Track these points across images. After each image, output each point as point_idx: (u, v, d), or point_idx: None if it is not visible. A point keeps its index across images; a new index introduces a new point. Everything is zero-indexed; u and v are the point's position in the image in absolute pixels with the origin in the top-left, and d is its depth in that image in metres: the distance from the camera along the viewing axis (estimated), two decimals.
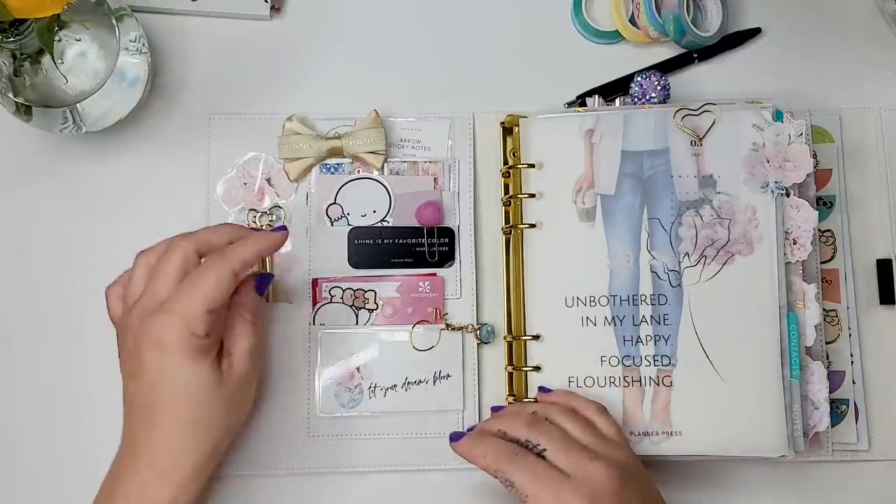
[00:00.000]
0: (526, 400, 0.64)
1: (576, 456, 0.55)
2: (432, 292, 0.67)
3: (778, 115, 0.65)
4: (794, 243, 0.64)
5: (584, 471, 0.55)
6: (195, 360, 0.55)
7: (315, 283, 0.67)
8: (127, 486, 0.55)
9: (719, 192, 0.65)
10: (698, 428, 0.63)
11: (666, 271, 0.64)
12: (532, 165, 0.66)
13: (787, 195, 0.65)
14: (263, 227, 0.67)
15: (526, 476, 0.55)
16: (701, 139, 0.65)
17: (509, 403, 0.65)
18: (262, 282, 0.61)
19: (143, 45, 0.65)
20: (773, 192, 0.64)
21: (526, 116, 0.68)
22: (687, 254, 0.64)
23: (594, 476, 0.54)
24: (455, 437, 0.60)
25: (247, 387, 0.59)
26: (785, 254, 0.64)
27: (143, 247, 0.68)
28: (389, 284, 0.67)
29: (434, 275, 0.67)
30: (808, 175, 0.65)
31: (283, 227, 0.61)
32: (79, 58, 0.64)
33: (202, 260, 0.57)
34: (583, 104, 0.69)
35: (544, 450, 0.56)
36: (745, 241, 0.64)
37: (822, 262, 0.67)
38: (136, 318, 0.56)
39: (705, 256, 0.64)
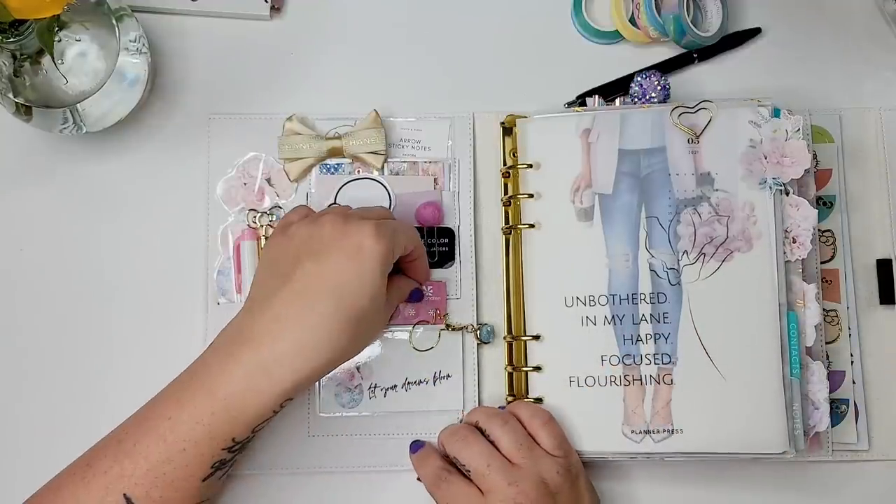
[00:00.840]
0: (526, 401, 0.64)
1: (495, 477, 0.58)
2: (435, 296, 0.67)
3: (775, 112, 0.65)
4: (794, 242, 0.64)
5: (502, 492, 0.58)
6: (383, 274, 0.57)
7: None
8: (242, 355, 0.55)
9: (717, 190, 0.65)
10: (699, 425, 0.63)
11: (665, 269, 0.64)
12: (530, 165, 0.66)
13: (787, 193, 0.65)
14: (263, 227, 0.67)
15: (445, 502, 0.60)
16: (698, 137, 0.65)
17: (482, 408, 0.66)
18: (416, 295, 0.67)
19: (143, 45, 0.65)
20: (771, 188, 0.64)
21: (526, 116, 0.68)
22: (686, 252, 0.64)
23: (509, 497, 0.57)
24: (414, 449, 0.64)
25: (386, 320, 0.64)
26: (784, 252, 0.64)
27: (143, 246, 0.68)
28: None
29: (440, 283, 0.67)
30: (806, 171, 0.65)
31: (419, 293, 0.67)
32: (79, 58, 0.64)
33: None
34: (583, 104, 0.69)
35: (469, 470, 0.60)
36: (743, 238, 0.64)
37: (822, 262, 0.67)
38: (345, 214, 0.58)
39: (704, 254, 0.64)
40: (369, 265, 0.56)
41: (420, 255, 0.64)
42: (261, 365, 0.55)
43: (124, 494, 0.55)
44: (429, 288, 0.67)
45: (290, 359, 0.55)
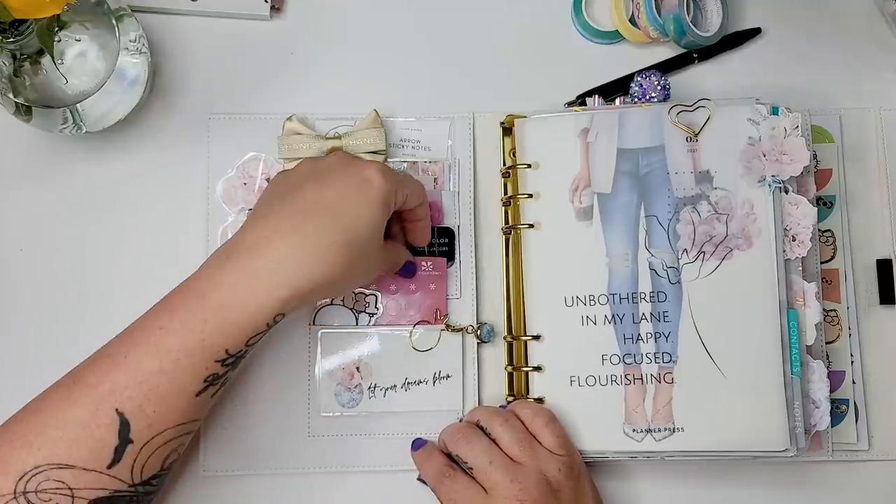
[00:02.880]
0: (527, 399, 0.64)
1: (497, 474, 0.59)
2: (435, 270, 0.66)
3: (774, 110, 0.65)
4: (794, 240, 0.64)
5: (504, 489, 0.58)
6: (384, 211, 0.58)
7: None
8: (227, 276, 0.55)
9: (716, 188, 0.65)
10: (700, 424, 0.63)
11: (665, 268, 0.64)
12: (529, 165, 0.67)
13: (786, 192, 0.65)
14: None
15: (448, 498, 0.60)
16: (696, 135, 0.65)
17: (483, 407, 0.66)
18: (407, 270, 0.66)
19: (143, 45, 0.65)
20: (770, 185, 0.64)
21: (525, 116, 0.68)
22: (685, 250, 0.64)
23: (511, 494, 0.57)
24: (416, 446, 0.64)
25: (382, 263, 0.62)
26: (784, 251, 0.64)
27: (143, 246, 0.68)
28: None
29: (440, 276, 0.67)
30: (805, 168, 0.65)
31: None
32: (79, 58, 0.64)
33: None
34: (583, 104, 0.69)
35: (471, 468, 0.60)
36: (743, 236, 0.64)
37: (822, 262, 0.67)
38: (354, 155, 0.62)
39: (704, 252, 0.64)
40: (373, 196, 0.57)
41: (424, 215, 0.64)
42: (254, 272, 0.54)
43: (116, 409, 0.53)
44: (428, 263, 0.67)
45: (283, 267, 0.54)
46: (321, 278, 0.55)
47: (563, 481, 0.59)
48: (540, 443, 0.61)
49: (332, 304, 0.67)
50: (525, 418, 0.62)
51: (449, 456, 0.62)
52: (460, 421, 0.65)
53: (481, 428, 0.62)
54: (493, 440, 0.61)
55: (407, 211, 0.63)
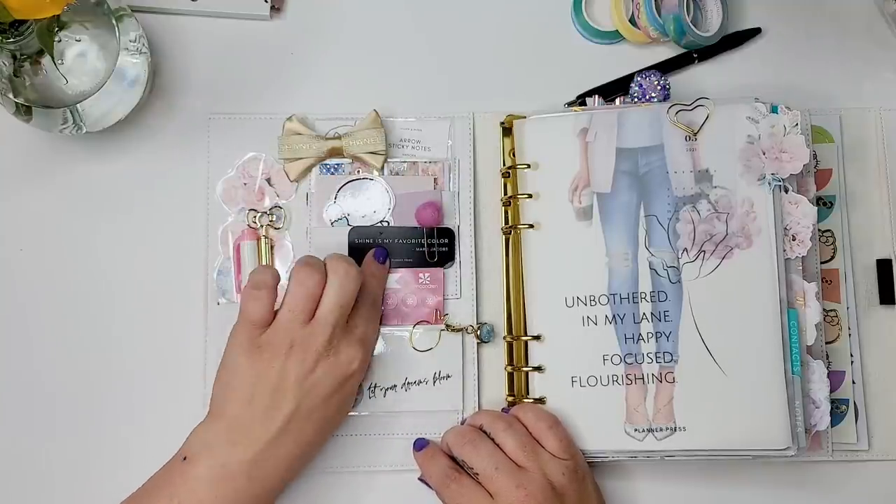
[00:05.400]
0: (526, 401, 0.64)
1: (503, 479, 0.59)
2: (432, 283, 0.67)
3: (773, 108, 0.65)
4: (794, 239, 0.64)
5: (510, 494, 0.58)
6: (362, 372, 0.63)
7: None
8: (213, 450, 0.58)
9: (716, 187, 0.65)
10: (702, 423, 0.63)
11: (665, 268, 0.64)
12: (528, 166, 0.66)
13: (786, 191, 0.65)
14: (263, 227, 0.67)
15: (453, 502, 0.60)
16: (695, 134, 0.65)
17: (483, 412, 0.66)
18: (381, 254, 0.67)
19: (143, 45, 0.65)
20: (769, 183, 0.64)
21: (525, 117, 0.68)
22: (685, 249, 0.64)
23: (517, 499, 0.57)
24: (418, 446, 0.64)
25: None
26: (784, 250, 0.64)
27: (143, 246, 0.68)
28: (390, 276, 0.67)
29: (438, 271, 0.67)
30: (805, 167, 0.65)
31: (384, 251, 0.66)
32: (79, 58, 0.64)
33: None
34: (583, 104, 0.69)
35: (477, 473, 0.60)
36: (743, 235, 0.64)
37: (822, 262, 0.67)
38: (324, 340, 0.60)
39: (704, 251, 0.64)
40: (349, 393, 0.62)
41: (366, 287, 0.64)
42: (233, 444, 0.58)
43: None
44: (426, 275, 0.67)
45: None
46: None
47: (567, 485, 0.59)
48: (543, 447, 0.61)
49: None
50: (528, 422, 0.62)
51: (452, 458, 0.62)
52: (462, 422, 0.65)
53: (484, 432, 0.62)
54: (497, 445, 0.61)
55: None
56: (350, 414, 0.65)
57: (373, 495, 0.66)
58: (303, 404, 0.58)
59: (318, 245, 0.67)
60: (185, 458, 0.58)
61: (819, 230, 0.67)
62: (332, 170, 0.68)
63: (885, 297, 0.68)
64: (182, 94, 0.70)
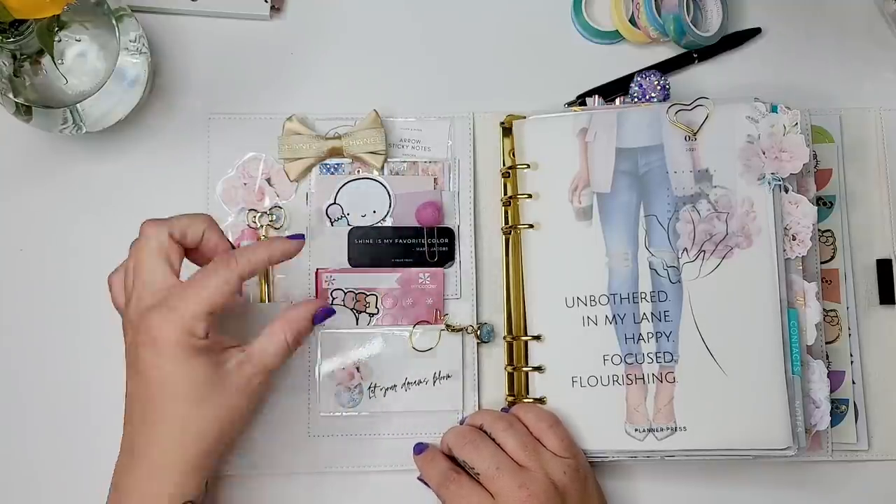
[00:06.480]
0: (526, 401, 0.64)
1: (505, 479, 0.58)
2: (432, 283, 0.67)
3: (773, 108, 0.65)
4: (794, 239, 0.64)
5: (512, 495, 0.58)
6: (189, 359, 0.55)
7: (317, 284, 0.67)
8: (128, 483, 0.56)
9: (716, 186, 0.65)
10: (702, 422, 0.63)
11: (665, 268, 0.64)
12: (528, 166, 0.67)
13: (786, 191, 0.65)
14: (263, 227, 0.67)
15: (453, 503, 0.59)
16: (695, 133, 0.65)
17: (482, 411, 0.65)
18: (323, 314, 0.60)
19: (143, 45, 0.65)
20: (769, 183, 0.64)
21: (525, 117, 0.68)
22: (685, 249, 0.64)
23: (519, 499, 0.58)
24: (418, 450, 0.63)
25: (253, 392, 0.58)
26: (784, 250, 0.64)
27: None
28: (390, 275, 0.67)
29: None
30: (805, 167, 0.65)
31: (301, 236, 0.60)
32: (79, 58, 0.64)
33: (212, 261, 0.57)
34: (583, 104, 0.69)
35: (478, 473, 0.59)
36: (743, 234, 0.64)
37: (822, 262, 0.67)
38: (133, 311, 0.56)
39: (704, 251, 0.64)
40: (171, 360, 0.55)
41: (212, 237, 0.59)
42: (147, 478, 0.55)
43: None
44: (425, 275, 0.67)
45: (164, 469, 0.55)
46: (210, 448, 0.56)
47: (569, 484, 0.59)
48: (544, 446, 0.61)
49: (332, 304, 0.66)
50: (528, 422, 0.62)
51: (452, 459, 0.62)
52: (462, 422, 0.65)
53: (485, 432, 0.62)
54: (498, 444, 0.61)
55: (199, 248, 0.59)
56: (350, 414, 0.65)
57: (373, 495, 0.66)
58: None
59: (318, 245, 0.67)
60: None
61: (819, 230, 0.68)
62: (332, 170, 0.68)
63: (885, 297, 0.68)
64: (182, 94, 0.70)
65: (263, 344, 0.58)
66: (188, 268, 0.59)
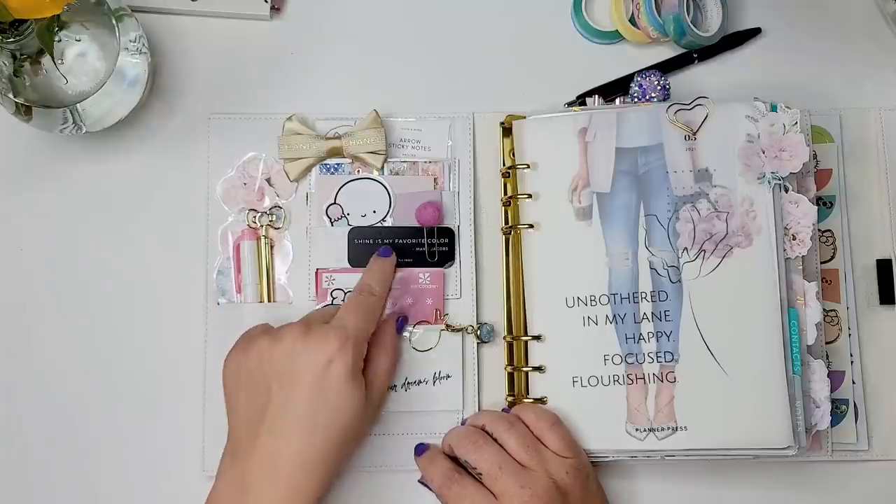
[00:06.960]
0: (527, 401, 0.64)
1: (507, 479, 0.59)
2: (432, 283, 0.67)
3: (773, 107, 0.65)
4: (794, 238, 0.64)
5: (515, 495, 0.58)
6: (355, 384, 0.59)
7: (317, 284, 0.67)
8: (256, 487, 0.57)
9: (715, 186, 0.65)
10: (703, 422, 0.62)
11: (665, 267, 0.64)
12: (528, 166, 0.67)
13: (786, 190, 0.65)
14: (263, 227, 0.67)
15: (456, 503, 0.59)
16: (695, 133, 0.65)
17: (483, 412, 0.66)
18: (401, 323, 0.65)
19: (143, 45, 0.65)
20: (769, 182, 0.64)
21: (525, 117, 0.68)
22: (685, 249, 0.64)
23: (522, 499, 0.58)
24: (419, 451, 0.64)
25: (380, 403, 0.64)
26: (784, 249, 0.64)
27: (143, 246, 0.68)
28: None
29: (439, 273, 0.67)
30: (805, 165, 0.65)
31: (389, 250, 0.66)
32: (79, 58, 0.64)
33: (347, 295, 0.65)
34: (583, 104, 0.69)
35: (480, 473, 0.59)
36: (743, 234, 0.64)
37: (822, 262, 0.67)
38: (307, 324, 0.60)
39: (704, 250, 0.64)
40: (341, 383, 0.58)
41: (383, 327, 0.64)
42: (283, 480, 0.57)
43: None
44: (426, 275, 0.67)
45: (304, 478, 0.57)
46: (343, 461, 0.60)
47: (571, 483, 0.59)
48: (546, 446, 0.61)
49: (332, 304, 0.66)
50: (529, 422, 0.62)
51: (453, 459, 0.62)
52: (462, 423, 0.65)
53: (486, 432, 0.62)
54: (499, 445, 0.61)
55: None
56: None
57: (373, 495, 0.66)
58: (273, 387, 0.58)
59: (319, 245, 0.67)
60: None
61: (819, 230, 0.67)
62: (332, 170, 0.68)
63: (885, 297, 0.68)
64: (182, 94, 0.70)
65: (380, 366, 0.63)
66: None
